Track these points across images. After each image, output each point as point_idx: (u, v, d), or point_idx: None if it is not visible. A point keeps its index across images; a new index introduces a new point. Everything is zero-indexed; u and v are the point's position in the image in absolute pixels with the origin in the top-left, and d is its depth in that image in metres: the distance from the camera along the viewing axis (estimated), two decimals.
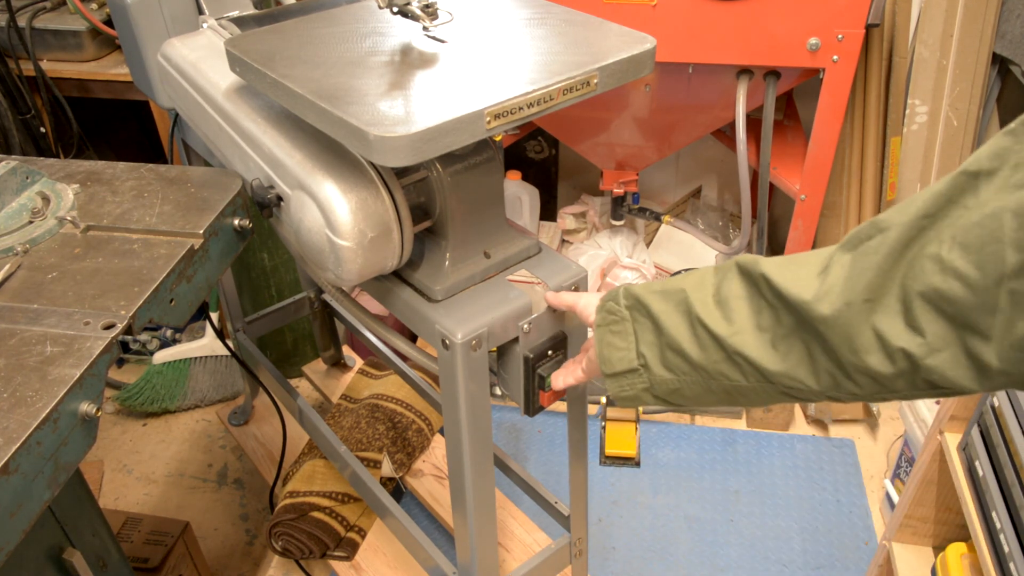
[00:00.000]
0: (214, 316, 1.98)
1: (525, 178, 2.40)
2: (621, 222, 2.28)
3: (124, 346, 0.84)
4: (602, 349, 0.81)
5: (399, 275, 1.05)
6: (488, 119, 0.82)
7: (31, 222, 1.01)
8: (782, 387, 0.68)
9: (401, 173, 0.96)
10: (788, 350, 0.66)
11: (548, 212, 2.58)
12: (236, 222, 1.08)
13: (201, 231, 1.00)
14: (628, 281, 2.19)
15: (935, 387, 0.58)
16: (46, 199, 1.05)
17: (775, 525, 1.84)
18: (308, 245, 0.96)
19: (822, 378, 0.64)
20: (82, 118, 2.03)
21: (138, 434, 2.15)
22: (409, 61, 0.94)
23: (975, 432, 1.23)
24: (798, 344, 0.65)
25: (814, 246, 2.04)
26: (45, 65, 1.91)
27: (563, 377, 0.98)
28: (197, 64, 1.14)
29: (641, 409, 2.07)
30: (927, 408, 1.63)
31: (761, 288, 0.67)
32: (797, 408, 2.13)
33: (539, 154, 2.55)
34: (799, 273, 0.64)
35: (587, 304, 0.90)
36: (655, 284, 0.79)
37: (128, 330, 0.85)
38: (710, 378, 0.72)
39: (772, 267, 0.66)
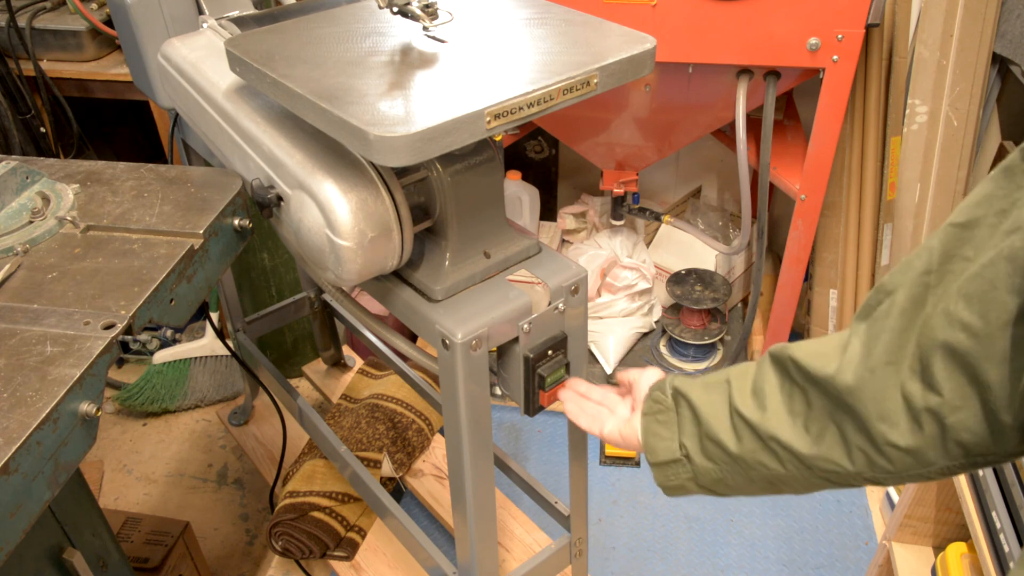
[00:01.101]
0: (214, 316, 1.98)
1: (525, 178, 2.40)
2: (621, 222, 2.28)
3: (124, 346, 0.84)
4: (647, 438, 0.81)
5: (399, 275, 1.05)
6: (488, 119, 0.82)
7: (31, 222, 1.01)
8: (819, 471, 0.68)
9: (401, 173, 0.96)
10: (821, 432, 0.66)
11: (548, 212, 2.58)
12: (236, 222, 1.08)
13: (201, 231, 1.00)
14: (629, 281, 2.19)
15: (967, 451, 0.57)
16: (46, 199, 1.05)
17: (775, 525, 1.84)
18: (308, 245, 0.96)
19: (856, 457, 0.64)
20: (82, 118, 2.03)
21: (138, 434, 2.15)
22: (409, 61, 0.94)
23: None
24: (831, 425, 0.65)
25: (814, 246, 2.04)
26: (45, 65, 1.91)
27: (586, 421, 0.94)
28: (197, 64, 1.14)
29: None
30: None
31: (790, 371, 0.68)
32: None
33: (539, 154, 2.55)
34: (823, 351, 0.65)
35: (642, 384, 0.88)
36: (701, 377, 0.80)
37: (128, 330, 0.85)
38: (749, 468, 0.73)
39: (799, 350, 0.68)
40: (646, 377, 0.89)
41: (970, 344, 0.54)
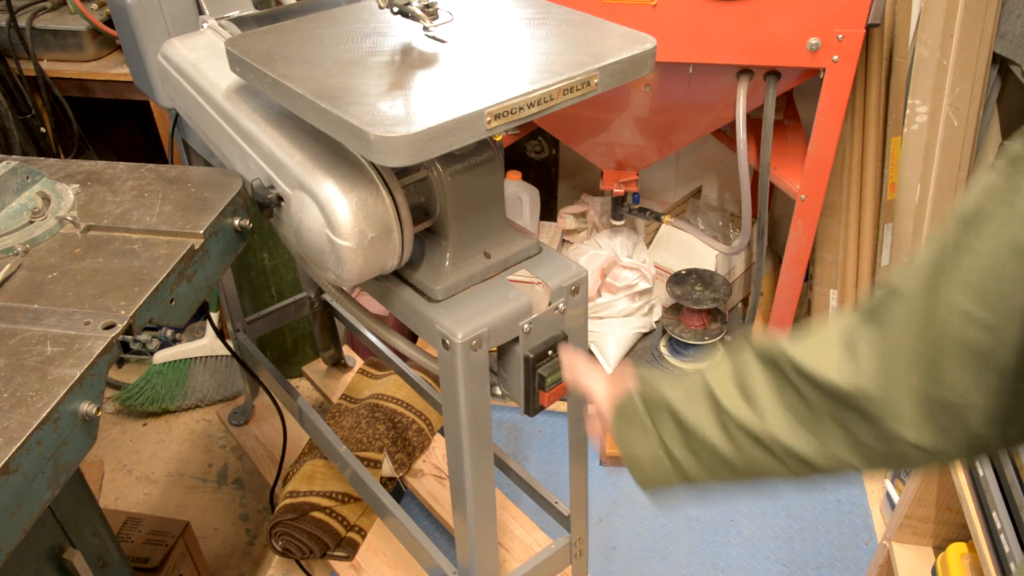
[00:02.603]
0: (214, 316, 1.98)
1: (525, 178, 2.40)
2: (621, 222, 2.28)
3: (124, 346, 0.84)
4: (624, 448, 0.79)
5: (399, 275, 1.05)
6: (488, 119, 0.82)
7: (31, 222, 1.01)
8: (824, 468, 0.67)
9: (401, 173, 0.96)
10: (826, 432, 0.65)
11: (548, 212, 2.57)
12: (236, 222, 1.08)
13: (201, 231, 1.00)
14: (629, 281, 2.19)
15: (982, 444, 0.58)
16: (46, 199, 1.05)
17: (775, 525, 1.84)
18: (308, 245, 0.96)
19: (865, 454, 0.64)
20: (82, 118, 2.03)
21: (138, 434, 2.15)
22: (409, 61, 0.94)
23: None
24: (833, 425, 0.64)
25: (814, 246, 2.04)
26: (45, 65, 1.91)
27: (592, 431, 0.92)
28: (197, 64, 1.14)
29: None
30: None
31: (787, 372, 0.66)
32: None
33: (539, 154, 2.55)
34: (824, 354, 0.64)
35: (601, 395, 0.86)
36: (666, 376, 0.77)
37: (128, 330, 0.85)
38: (745, 466, 0.71)
39: (796, 351, 0.66)
40: (600, 387, 0.85)
41: (983, 337, 0.54)
